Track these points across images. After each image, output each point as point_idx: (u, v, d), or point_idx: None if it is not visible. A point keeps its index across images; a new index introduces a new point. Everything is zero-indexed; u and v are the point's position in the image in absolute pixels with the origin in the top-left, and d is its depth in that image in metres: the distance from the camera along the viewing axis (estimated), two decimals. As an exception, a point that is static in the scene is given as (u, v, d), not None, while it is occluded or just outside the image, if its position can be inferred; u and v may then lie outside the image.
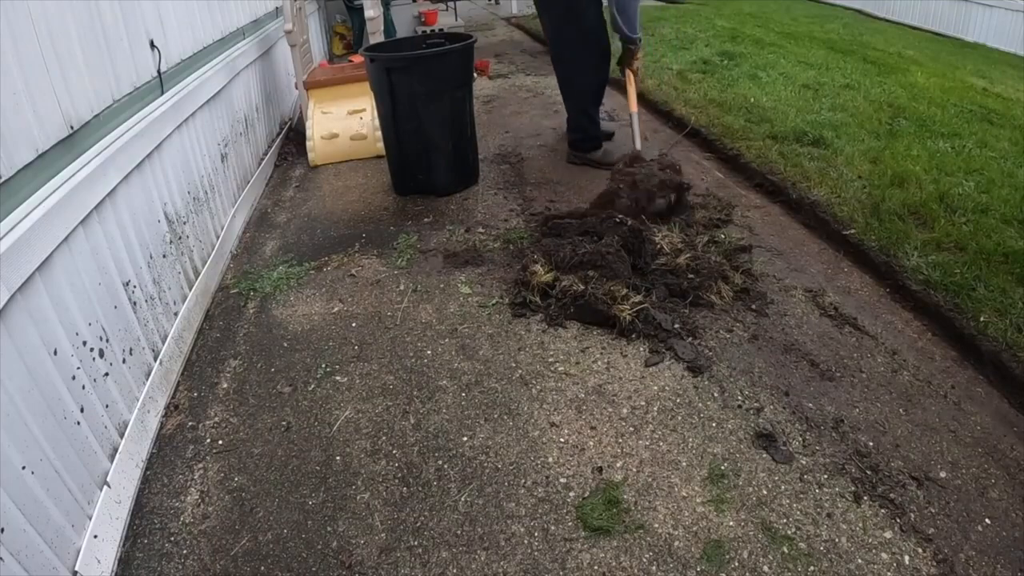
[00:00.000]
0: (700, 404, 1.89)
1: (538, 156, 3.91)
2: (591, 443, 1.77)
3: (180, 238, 2.33)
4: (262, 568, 1.50)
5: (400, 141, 3.34)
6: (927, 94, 4.70)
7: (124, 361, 1.79)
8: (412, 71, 3.13)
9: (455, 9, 8.17)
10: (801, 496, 1.59)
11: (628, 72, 3.50)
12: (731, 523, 1.53)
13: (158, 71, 2.32)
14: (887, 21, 11.19)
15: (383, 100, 3.27)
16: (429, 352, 2.18)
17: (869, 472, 1.65)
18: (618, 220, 2.56)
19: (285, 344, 2.27)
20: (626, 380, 2.00)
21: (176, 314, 2.21)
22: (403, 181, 3.43)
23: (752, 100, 4.38)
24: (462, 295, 2.49)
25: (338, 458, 1.78)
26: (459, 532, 1.55)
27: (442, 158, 3.31)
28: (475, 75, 3.62)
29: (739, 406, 1.88)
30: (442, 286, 2.55)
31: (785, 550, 1.46)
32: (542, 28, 3.70)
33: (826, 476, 1.64)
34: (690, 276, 2.37)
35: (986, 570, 1.40)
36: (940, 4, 10.35)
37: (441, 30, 6.84)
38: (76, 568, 1.39)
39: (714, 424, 1.82)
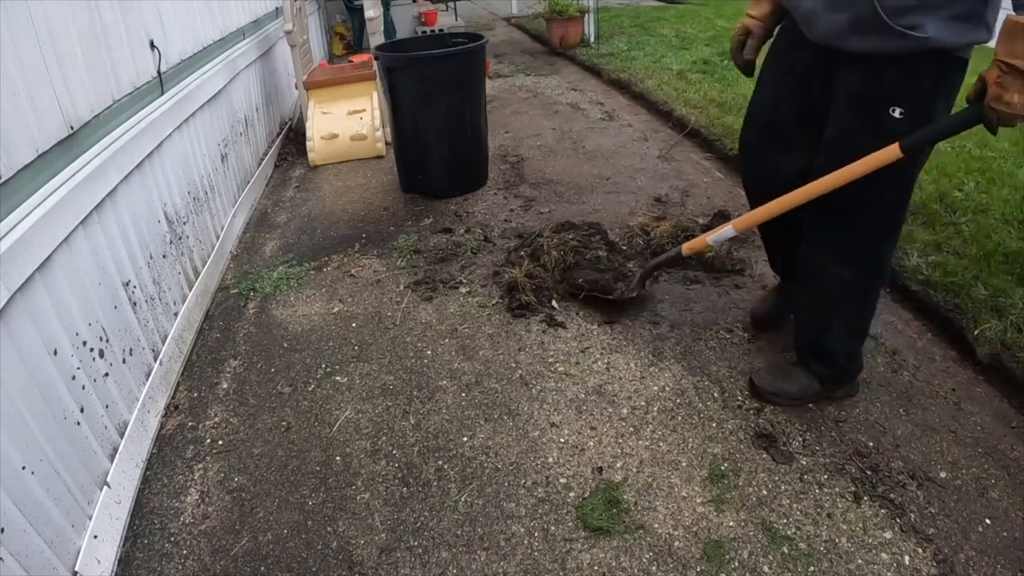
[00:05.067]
0: (700, 404, 1.89)
1: (538, 156, 3.91)
2: (591, 443, 1.77)
3: (180, 238, 2.33)
4: (262, 568, 1.50)
5: (401, 141, 3.36)
6: (927, 94, 4.69)
7: (124, 361, 1.79)
8: (408, 72, 3.14)
9: (455, 9, 8.18)
10: (801, 496, 1.59)
11: None
12: (731, 523, 1.53)
13: (158, 71, 2.32)
14: (887, 21, 11.15)
15: (387, 99, 3.30)
16: (429, 352, 2.18)
17: (869, 472, 1.65)
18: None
19: (285, 344, 2.27)
20: (626, 380, 2.00)
21: (176, 314, 2.21)
22: (406, 180, 3.44)
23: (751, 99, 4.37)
24: (462, 295, 2.49)
25: (338, 458, 1.78)
26: (459, 532, 1.55)
27: (439, 161, 3.32)
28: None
29: (739, 406, 1.88)
30: (442, 286, 2.55)
31: (785, 550, 1.46)
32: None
33: (826, 476, 1.64)
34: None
35: (986, 570, 1.40)
36: (940, 4, 10.32)
37: (441, 30, 6.84)
38: (76, 568, 1.39)
39: (714, 424, 1.82)
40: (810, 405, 1.86)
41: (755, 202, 1.90)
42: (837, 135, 1.58)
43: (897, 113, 1.47)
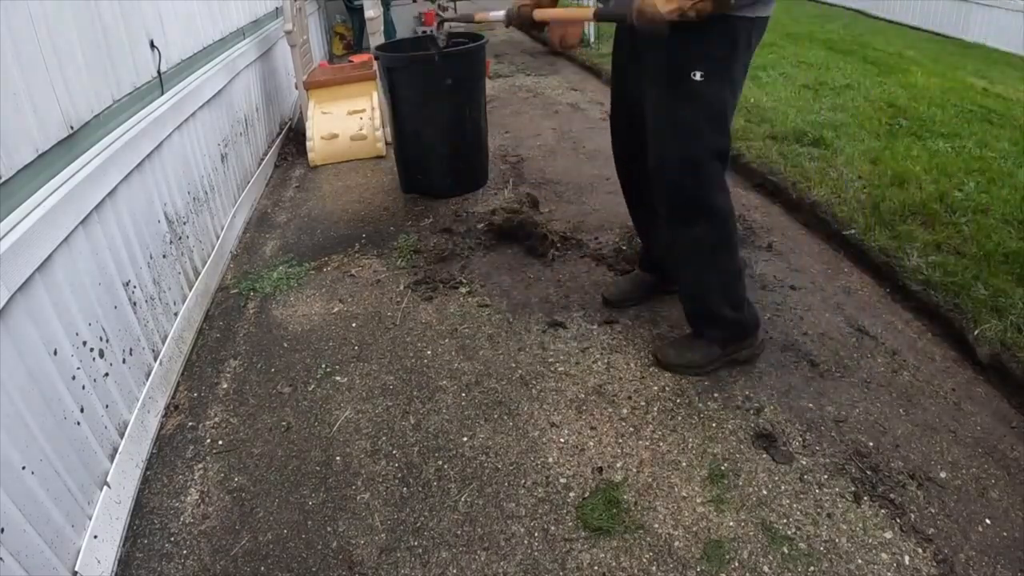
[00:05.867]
0: (700, 404, 1.89)
1: (538, 156, 3.91)
2: (591, 443, 1.77)
3: (180, 238, 2.33)
4: (262, 568, 1.50)
5: (402, 141, 3.36)
6: (927, 94, 4.70)
7: (124, 361, 1.79)
8: (407, 72, 3.14)
9: (455, 9, 8.17)
10: (801, 496, 1.59)
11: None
12: (731, 523, 1.53)
13: (158, 71, 2.32)
14: (887, 21, 11.18)
15: (388, 99, 3.30)
16: (429, 352, 2.18)
17: (869, 472, 1.65)
18: None
19: (285, 344, 2.27)
20: (626, 380, 2.00)
21: (176, 314, 2.21)
22: (407, 180, 3.45)
23: (752, 100, 4.38)
24: (462, 295, 2.49)
25: (338, 458, 1.78)
26: (459, 532, 1.55)
27: (439, 161, 3.32)
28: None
29: (739, 406, 1.88)
30: (442, 286, 2.55)
31: (785, 550, 1.46)
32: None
33: (826, 476, 1.64)
34: None
35: (986, 570, 1.40)
36: (940, 4, 10.35)
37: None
38: (76, 568, 1.39)
39: (714, 424, 1.82)
40: (810, 405, 1.86)
41: (620, 166, 2.19)
42: (655, 100, 1.78)
43: (698, 76, 1.64)
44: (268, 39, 4.07)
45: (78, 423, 1.51)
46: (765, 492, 1.60)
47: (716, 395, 1.92)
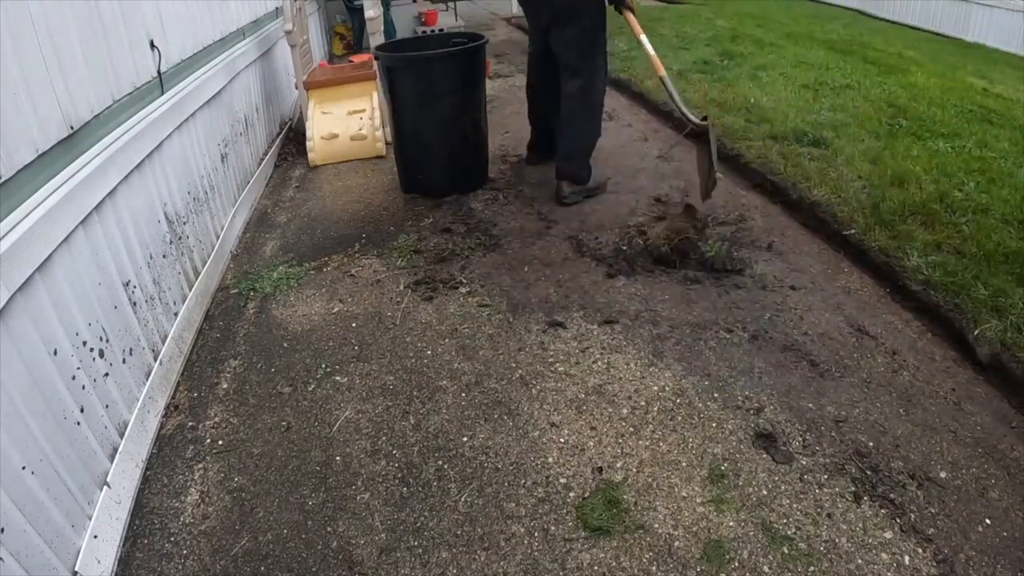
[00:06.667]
0: (700, 404, 1.89)
1: (538, 156, 3.90)
2: (591, 443, 1.77)
3: (180, 238, 2.33)
4: (262, 568, 1.50)
5: (402, 140, 3.36)
6: (927, 94, 4.70)
7: (124, 361, 1.79)
8: (408, 72, 3.14)
9: (455, 9, 8.17)
10: (801, 496, 1.59)
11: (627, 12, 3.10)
12: (731, 523, 1.53)
13: (158, 71, 2.32)
14: (887, 21, 11.19)
15: (387, 99, 3.30)
16: (429, 352, 2.18)
17: (869, 472, 1.65)
18: None
19: (285, 344, 2.27)
20: (626, 380, 2.00)
21: (176, 314, 2.21)
22: (406, 179, 3.45)
23: (752, 100, 4.38)
24: (462, 295, 2.49)
25: (338, 458, 1.78)
26: (459, 532, 1.55)
27: (438, 161, 3.32)
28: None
29: (739, 406, 1.88)
30: (442, 286, 2.55)
31: (785, 550, 1.46)
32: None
33: (826, 476, 1.64)
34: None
35: (986, 570, 1.40)
36: (940, 4, 10.35)
37: (441, 30, 6.83)
38: (76, 568, 1.39)
39: (714, 424, 1.82)
40: (810, 405, 1.86)
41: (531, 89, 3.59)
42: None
43: None
44: (268, 39, 4.07)
45: (78, 423, 1.51)
46: (765, 492, 1.61)
47: (716, 395, 1.92)
